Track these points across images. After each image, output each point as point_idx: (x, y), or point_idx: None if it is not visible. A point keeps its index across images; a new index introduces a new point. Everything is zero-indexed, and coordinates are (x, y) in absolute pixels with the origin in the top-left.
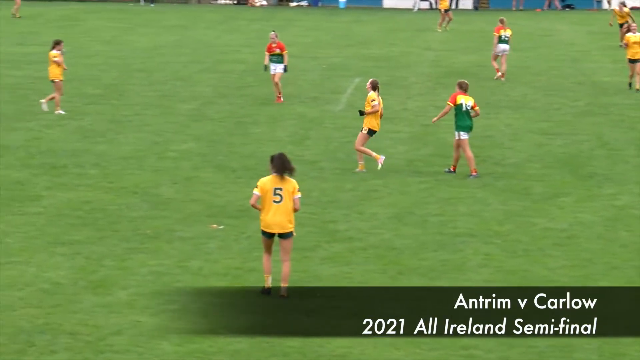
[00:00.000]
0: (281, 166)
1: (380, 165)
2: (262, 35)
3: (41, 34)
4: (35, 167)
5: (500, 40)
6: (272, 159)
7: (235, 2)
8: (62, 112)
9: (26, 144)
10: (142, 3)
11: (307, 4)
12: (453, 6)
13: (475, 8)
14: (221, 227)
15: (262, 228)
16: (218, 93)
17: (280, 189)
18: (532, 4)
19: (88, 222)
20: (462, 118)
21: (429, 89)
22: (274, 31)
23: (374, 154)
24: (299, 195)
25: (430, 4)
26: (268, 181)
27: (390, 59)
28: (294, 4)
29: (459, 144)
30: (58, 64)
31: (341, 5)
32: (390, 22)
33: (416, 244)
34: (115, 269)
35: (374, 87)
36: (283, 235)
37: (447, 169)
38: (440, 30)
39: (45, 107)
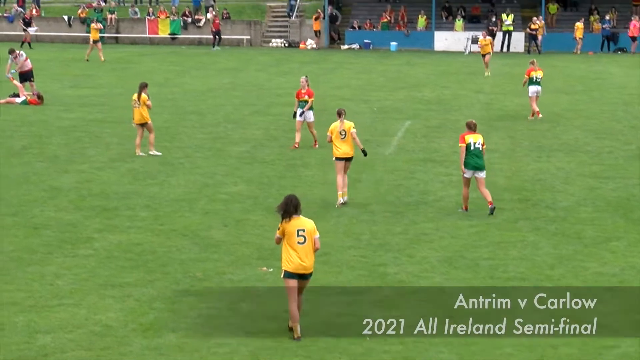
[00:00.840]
0: (291, 210)
1: (339, 203)
2: (314, 78)
3: (94, 77)
4: (87, 209)
5: (533, 81)
6: (283, 204)
7: (286, 44)
8: (158, 153)
9: (78, 186)
10: (213, 49)
11: (358, 46)
12: (505, 49)
13: (528, 51)
14: (271, 269)
15: (288, 269)
16: (269, 135)
17: (303, 230)
18: (586, 47)
19: (138, 265)
20: (472, 157)
21: (480, 131)
22: (305, 76)
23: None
24: (317, 235)
25: None
26: (288, 224)
27: (442, 102)
28: (345, 46)
29: (467, 182)
30: (149, 107)
31: (392, 48)
32: (441, 65)
33: (467, 287)
34: (165, 312)
35: (339, 114)
36: (307, 276)
37: (460, 209)
38: (487, 74)
39: (158, 152)
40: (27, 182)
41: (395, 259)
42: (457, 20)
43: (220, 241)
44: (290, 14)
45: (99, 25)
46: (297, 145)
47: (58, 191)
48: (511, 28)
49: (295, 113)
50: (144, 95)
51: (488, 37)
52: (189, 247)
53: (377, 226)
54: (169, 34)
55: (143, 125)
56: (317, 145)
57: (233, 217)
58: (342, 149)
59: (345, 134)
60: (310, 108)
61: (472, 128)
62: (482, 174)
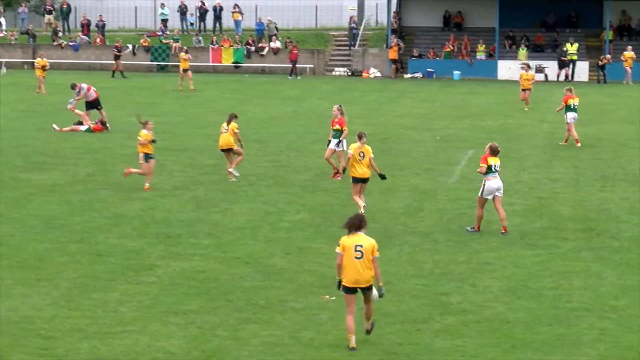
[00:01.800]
0: (356, 224)
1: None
2: (377, 107)
3: (158, 105)
4: (150, 237)
5: (570, 108)
6: (347, 221)
7: (349, 73)
8: (237, 174)
9: (142, 214)
10: (290, 77)
11: (421, 75)
12: (569, 78)
13: (598, 81)
14: (333, 298)
15: (344, 284)
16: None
17: (361, 245)
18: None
19: (201, 292)
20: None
21: (544, 161)
22: (338, 106)
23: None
24: (377, 255)
25: (546, 76)
26: (348, 239)
27: (505, 131)
28: (409, 75)
29: (484, 203)
30: (237, 136)
31: (456, 77)
32: (505, 94)
33: (530, 317)
34: (228, 339)
35: (359, 137)
36: (367, 289)
37: (469, 228)
38: (527, 109)
39: (236, 173)
40: (91, 209)
41: (458, 288)
42: (520, 49)
43: (283, 269)
44: (353, 42)
45: (188, 56)
46: (339, 175)
47: (122, 218)
48: (575, 57)
49: (329, 142)
50: (233, 124)
51: (530, 72)
52: (252, 275)
53: (440, 255)
54: (233, 63)
55: (228, 151)
56: (340, 176)
57: (295, 245)
58: (360, 170)
59: (363, 156)
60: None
61: (494, 151)
62: (501, 193)
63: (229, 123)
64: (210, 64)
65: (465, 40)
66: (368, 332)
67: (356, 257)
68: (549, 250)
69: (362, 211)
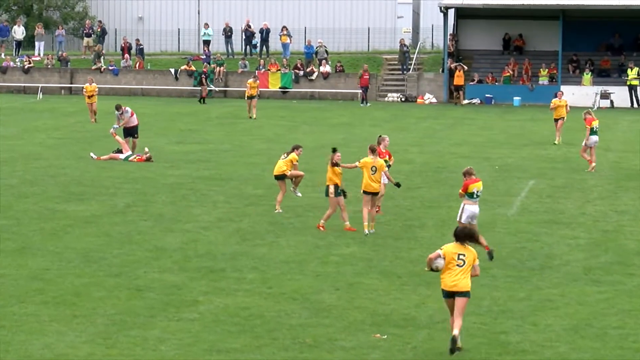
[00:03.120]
0: (464, 236)
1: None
2: (432, 134)
3: (201, 132)
4: (192, 271)
5: (592, 132)
6: (456, 229)
7: (403, 99)
8: (299, 194)
9: (183, 247)
10: (362, 105)
11: (479, 101)
12: (635, 105)
13: None
14: (384, 336)
15: (442, 287)
16: (386, 195)
17: (464, 254)
18: None
19: (245, 329)
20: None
21: (609, 192)
22: (382, 137)
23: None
24: (477, 262)
25: (612, 102)
26: (452, 247)
27: (568, 160)
28: (466, 101)
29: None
30: (295, 166)
31: (516, 103)
32: (568, 121)
33: (594, 358)
34: None
35: (372, 150)
36: (461, 294)
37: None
38: (558, 142)
39: (298, 193)
40: (130, 242)
41: (518, 326)
42: (584, 73)
43: (332, 305)
44: (407, 67)
45: (257, 83)
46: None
47: (162, 251)
48: (636, 82)
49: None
50: (294, 155)
51: (564, 99)
52: (299, 312)
53: (499, 291)
54: (280, 88)
55: (281, 178)
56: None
57: (345, 280)
58: (372, 184)
59: (375, 170)
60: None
61: (472, 174)
62: (475, 221)
63: (289, 153)
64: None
65: (526, 64)
66: (454, 342)
67: (458, 265)
68: (615, 287)
69: (367, 232)
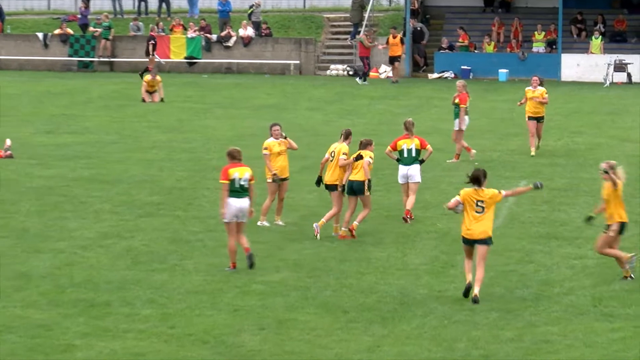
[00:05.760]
0: (477, 178)
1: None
2: (390, 120)
3: (79, 118)
4: (67, 305)
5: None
6: (472, 173)
7: (351, 72)
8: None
9: (55, 272)
10: (359, 81)
11: (453, 75)
12: None
13: None
14: None
15: (463, 235)
16: (326, 201)
17: (482, 201)
18: None
19: None
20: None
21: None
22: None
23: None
24: (502, 194)
25: (629, 76)
26: (470, 192)
27: (572, 154)
28: (435, 75)
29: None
30: (292, 147)
31: (502, 78)
32: (571, 102)
33: None
34: None
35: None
36: (481, 242)
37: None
38: (533, 154)
39: (265, 222)
40: None
41: None
42: (593, 38)
43: (255, 351)
44: (358, 30)
45: (158, 80)
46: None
47: (27, 279)
48: None
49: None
50: (289, 141)
51: (540, 88)
52: (211, 359)
53: (479, 330)
54: (185, 58)
55: (282, 181)
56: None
57: (273, 316)
58: (327, 174)
59: (333, 157)
60: None
61: (236, 157)
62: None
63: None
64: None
65: (516, 25)
66: (475, 300)
67: (477, 212)
68: (634, 323)
69: (316, 233)
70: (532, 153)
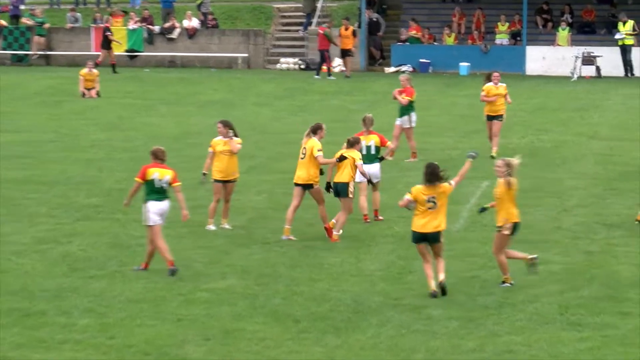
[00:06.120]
0: (431, 176)
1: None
2: (344, 117)
3: (12, 115)
4: (0, 315)
5: (410, 107)
6: (426, 169)
7: (303, 66)
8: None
9: None
10: (316, 77)
11: (411, 69)
12: (629, 72)
13: None
14: None
15: (415, 230)
16: (275, 203)
17: (434, 196)
18: None
19: None
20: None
21: (595, 197)
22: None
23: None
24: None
25: (598, 69)
26: (422, 189)
27: (537, 152)
28: (392, 69)
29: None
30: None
31: (463, 71)
32: (537, 96)
33: None
34: None
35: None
36: (433, 237)
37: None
38: (493, 154)
39: (212, 226)
40: None
41: None
42: (560, 29)
43: None
44: (310, 21)
45: (96, 73)
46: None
47: None
48: (631, 41)
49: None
50: (236, 138)
51: (502, 84)
52: None
53: (438, 340)
54: (127, 51)
55: (227, 182)
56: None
57: (219, 326)
58: (298, 172)
59: (305, 155)
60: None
61: (159, 157)
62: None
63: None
64: (93, 52)
65: (478, 15)
66: (443, 289)
67: (429, 208)
68: (602, 332)
69: (285, 236)
70: (493, 153)
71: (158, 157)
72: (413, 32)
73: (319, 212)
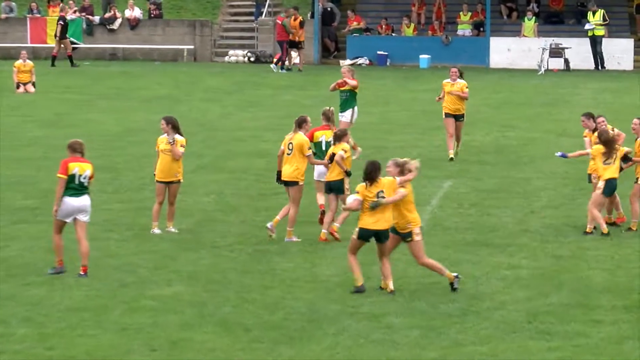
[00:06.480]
0: (370, 173)
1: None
2: (297, 111)
3: None
4: None
5: (352, 98)
6: (367, 167)
7: (252, 59)
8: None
9: None
10: (275, 69)
11: (368, 62)
12: (599, 65)
13: None
14: None
15: (364, 227)
16: (225, 205)
17: (382, 191)
18: None
19: None
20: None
21: (564, 197)
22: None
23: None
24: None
25: (567, 62)
26: (368, 187)
27: (503, 150)
28: (348, 62)
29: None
30: (176, 154)
31: (423, 64)
32: (502, 91)
33: None
34: None
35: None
36: (384, 234)
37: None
38: (451, 155)
39: (157, 230)
40: None
41: None
42: (525, 19)
43: None
44: (261, 11)
45: (30, 65)
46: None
47: None
48: (601, 32)
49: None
50: (179, 138)
51: (460, 80)
52: None
53: (399, 350)
54: None
55: (169, 184)
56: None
57: (165, 336)
58: (283, 169)
59: (291, 150)
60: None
61: (77, 150)
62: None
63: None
64: (29, 44)
65: (439, 4)
66: (392, 291)
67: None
68: (573, 341)
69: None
70: (451, 155)
71: (76, 150)
72: (355, 24)
73: (290, 214)
